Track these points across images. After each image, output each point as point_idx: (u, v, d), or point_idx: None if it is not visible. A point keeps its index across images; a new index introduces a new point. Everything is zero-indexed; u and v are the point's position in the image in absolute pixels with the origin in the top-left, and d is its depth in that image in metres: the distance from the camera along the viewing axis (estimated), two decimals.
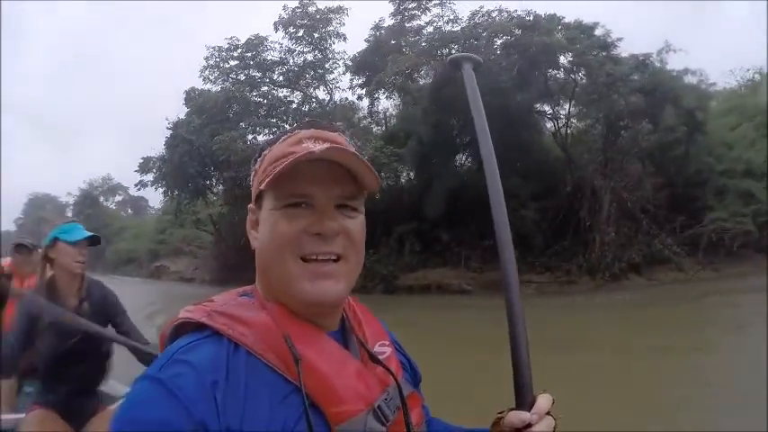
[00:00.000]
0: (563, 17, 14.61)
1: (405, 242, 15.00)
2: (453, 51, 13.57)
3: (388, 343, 0.69)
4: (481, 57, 0.96)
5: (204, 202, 20.68)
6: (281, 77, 19.55)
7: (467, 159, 16.59)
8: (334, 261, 0.59)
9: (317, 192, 0.58)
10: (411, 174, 16.99)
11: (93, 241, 1.94)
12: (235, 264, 17.87)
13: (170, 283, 22.95)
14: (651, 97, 12.70)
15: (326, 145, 0.58)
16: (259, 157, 0.65)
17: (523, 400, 0.65)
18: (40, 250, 2.37)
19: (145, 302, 12.42)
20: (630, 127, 13.70)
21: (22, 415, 2.08)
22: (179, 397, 0.49)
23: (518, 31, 13.97)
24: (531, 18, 14.25)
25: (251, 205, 0.65)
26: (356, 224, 0.61)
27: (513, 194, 12.65)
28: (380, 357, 0.64)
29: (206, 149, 16.93)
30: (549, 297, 11.87)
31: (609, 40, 13.84)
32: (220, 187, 19.67)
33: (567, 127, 15.64)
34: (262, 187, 0.60)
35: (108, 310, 2.00)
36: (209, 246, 23.07)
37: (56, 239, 1.88)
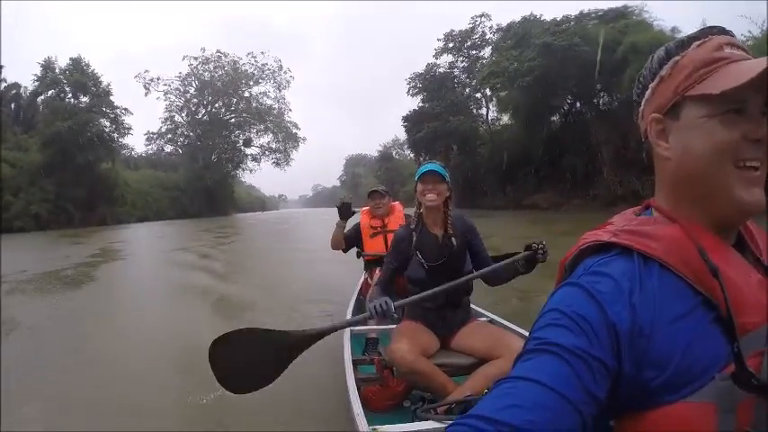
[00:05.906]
0: None
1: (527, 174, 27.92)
2: None
3: None
4: None
5: (442, 157, 38.12)
6: (451, 84, 37.91)
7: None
8: (757, 168, 0.57)
9: (752, 96, 0.55)
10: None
11: (430, 173, 2.04)
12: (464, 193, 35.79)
13: None
14: None
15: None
16: (665, 64, 0.61)
17: None
18: (389, 196, 3.40)
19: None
20: None
21: (391, 326, 2.41)
22: (597, 299, 0.54)
23: None
24: None
25: (655, 115, 0.61)
26: None
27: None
28: None
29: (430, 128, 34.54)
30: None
31: None
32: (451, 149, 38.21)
33: None
34: (692, 93, 0.57)
35: (467, 235, 2.16)
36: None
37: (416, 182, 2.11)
